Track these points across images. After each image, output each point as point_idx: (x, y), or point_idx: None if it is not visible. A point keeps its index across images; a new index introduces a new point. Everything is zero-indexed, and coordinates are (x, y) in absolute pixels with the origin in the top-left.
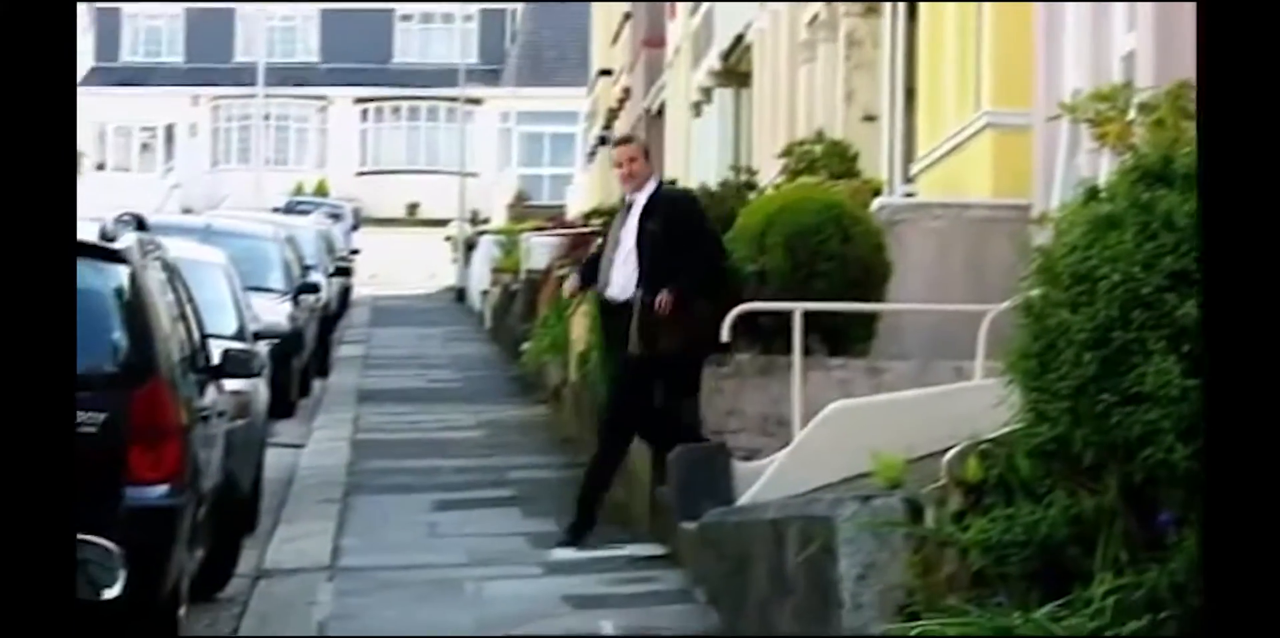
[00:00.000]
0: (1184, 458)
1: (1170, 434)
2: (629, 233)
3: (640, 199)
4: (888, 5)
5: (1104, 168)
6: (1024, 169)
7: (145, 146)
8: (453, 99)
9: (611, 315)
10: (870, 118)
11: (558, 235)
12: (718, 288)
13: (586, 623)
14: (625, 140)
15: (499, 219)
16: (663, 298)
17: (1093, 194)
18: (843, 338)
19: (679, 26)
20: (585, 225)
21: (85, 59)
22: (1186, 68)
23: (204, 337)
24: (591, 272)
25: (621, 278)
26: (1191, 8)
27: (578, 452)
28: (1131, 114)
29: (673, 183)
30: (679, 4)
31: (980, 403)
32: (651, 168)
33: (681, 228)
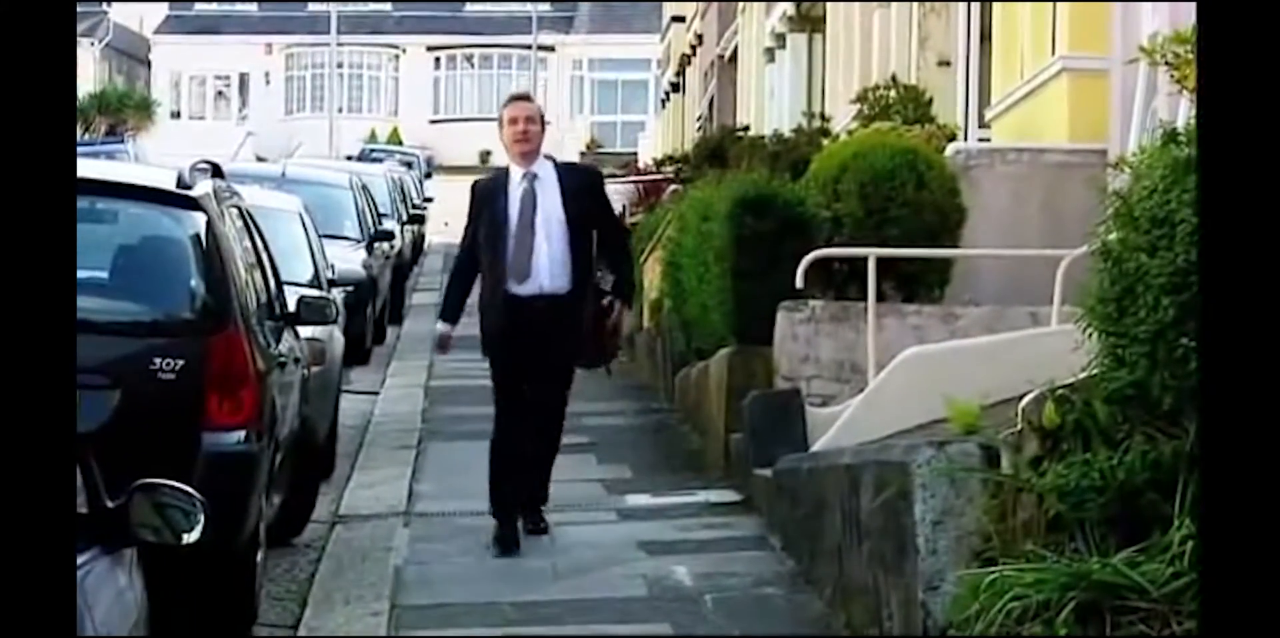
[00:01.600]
0: None
1: None
2: (549, 215)
3: (545, 173)
4: None
5: (1182, 111)
6: (1100, 113)
7: (220, 95)
8: (525, 47)
9: (526, 309)
10: (945, 62)
11: (631, 182)
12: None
13: (661, 569)
14: (525, 97)
15: None
16: (619, 308)
17: (1172, 137)
18: (917, 284)
19: None
20: (658, 172)
21: (159, 8)
22: None
23: (280, 284)
24: (467, 277)
25: (552, 268)
26: None
27: (651, 398)
28: None
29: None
30: None
31: (1057, 348)
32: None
33: (601, 210)
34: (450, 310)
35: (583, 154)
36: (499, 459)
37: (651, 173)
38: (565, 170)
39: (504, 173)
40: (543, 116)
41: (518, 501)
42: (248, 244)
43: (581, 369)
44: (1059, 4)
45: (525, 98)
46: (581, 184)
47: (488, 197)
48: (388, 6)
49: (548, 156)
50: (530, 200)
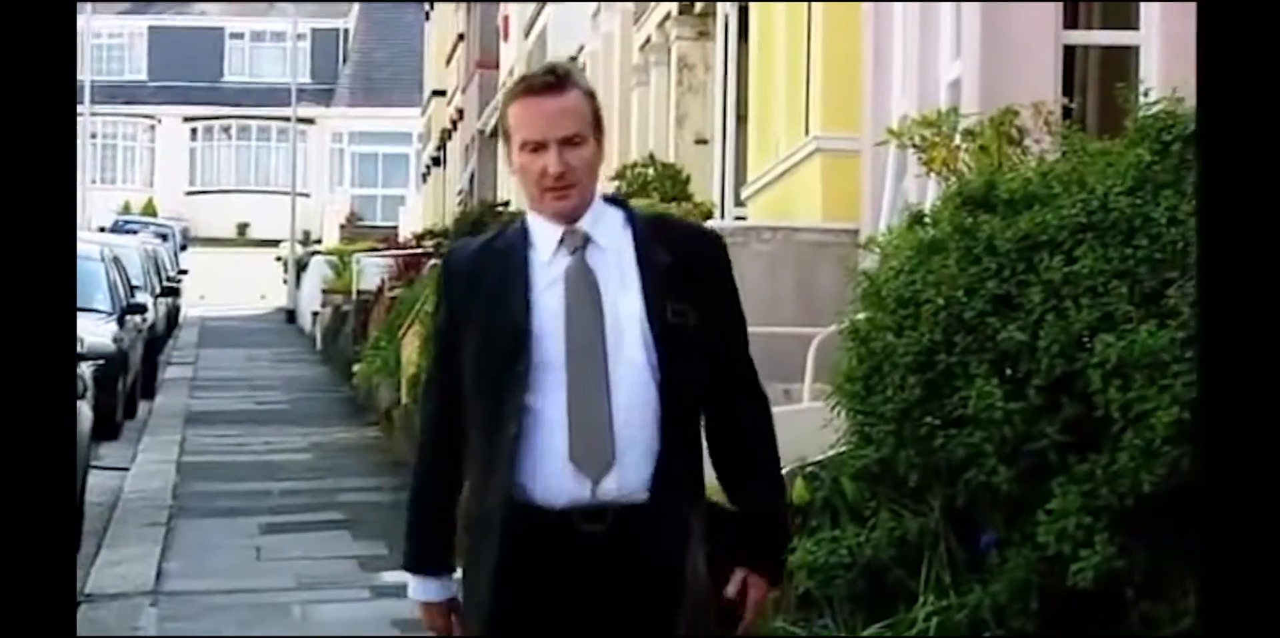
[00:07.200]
0: (1006, 480)
1: (992, 457)
2: (622, 324)
3: (607, 232)
4: (719, 30)
5: (930, 193)
6: (853, 194)
7: None
8: (284, 118)
9: (583, 543)
10: (702, 141)
11: (390, 256)
12: None
13: None
14: (553, 85)
15: (331, 239)
16: (756, 586)
17: (918, 219)
18: None
19: (512, 48)
20: (418, 246)
21: None
22: (1010, 95)
23: None
24: (452, 451)
25: (633, 452)
26: (1014, 38)
27: (408, 474)
28: (956, 140)
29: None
30: (512, 26)
31: (808, 425)
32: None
33: (727, 316)
34: (424, 548)
35: (342, 227)
36: None
37: (412, 247)
38: (651, 227)
39: (516, 231)
40: (598, 118)
41: None
42: None
43: None
44: (813, 85)
45: (553, 87)
46: (688, 258)
47: (482, 280)
48: (144, 76)
49: (612, 198)
50: (586, 289)
